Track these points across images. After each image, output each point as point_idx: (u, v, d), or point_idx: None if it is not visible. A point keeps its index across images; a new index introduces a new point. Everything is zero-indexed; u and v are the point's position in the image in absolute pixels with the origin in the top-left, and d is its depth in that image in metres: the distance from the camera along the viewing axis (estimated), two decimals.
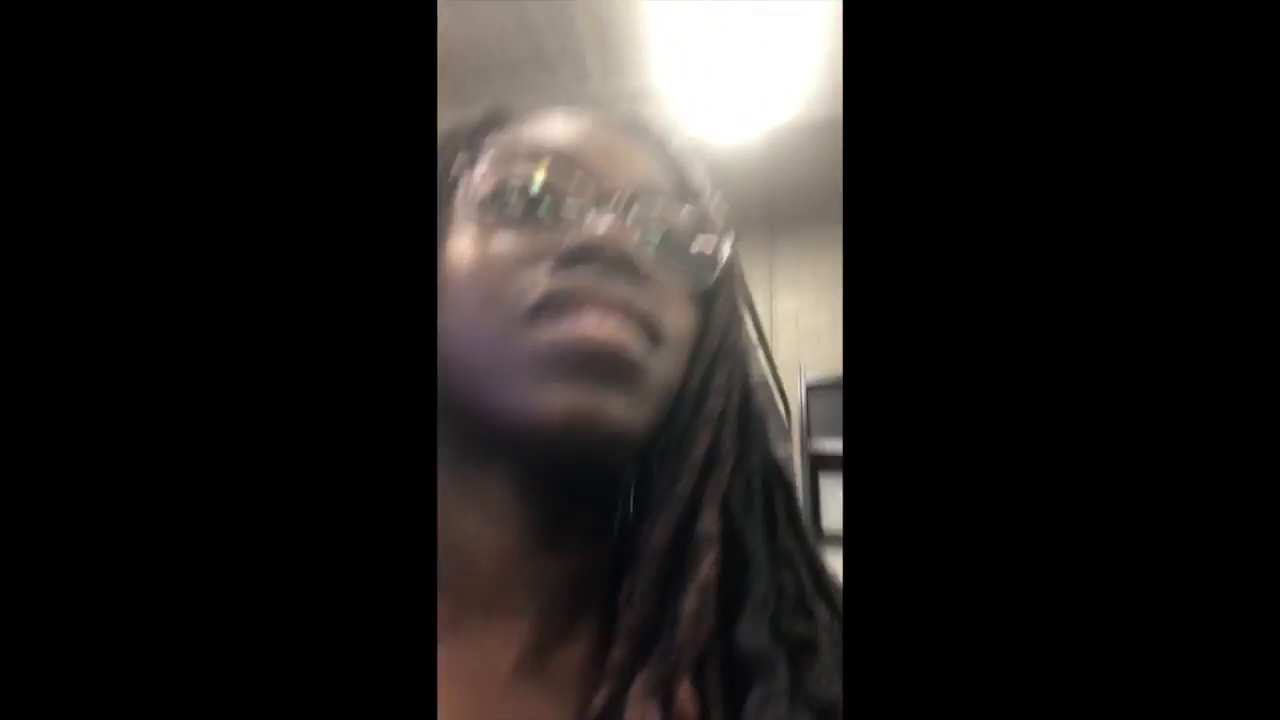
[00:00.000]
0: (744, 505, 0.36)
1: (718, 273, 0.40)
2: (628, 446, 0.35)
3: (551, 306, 0.33)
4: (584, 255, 0.34)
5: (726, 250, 0.40)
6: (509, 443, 0.34)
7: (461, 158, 0.39)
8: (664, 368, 0.36)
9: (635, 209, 0.37)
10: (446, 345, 0.33)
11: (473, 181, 0.38)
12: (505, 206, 0.36)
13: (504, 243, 0.35)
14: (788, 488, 0.39)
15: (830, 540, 2.01)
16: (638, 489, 0.38)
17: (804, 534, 0.38)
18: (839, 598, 0.37)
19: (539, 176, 0.36)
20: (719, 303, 0.40)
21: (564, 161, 0.37)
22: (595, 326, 0.33)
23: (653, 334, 0.35)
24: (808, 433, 2.70)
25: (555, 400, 0.32)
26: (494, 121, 0.41)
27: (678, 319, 0.37)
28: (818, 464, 2.59)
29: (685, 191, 0.41)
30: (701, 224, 0.40)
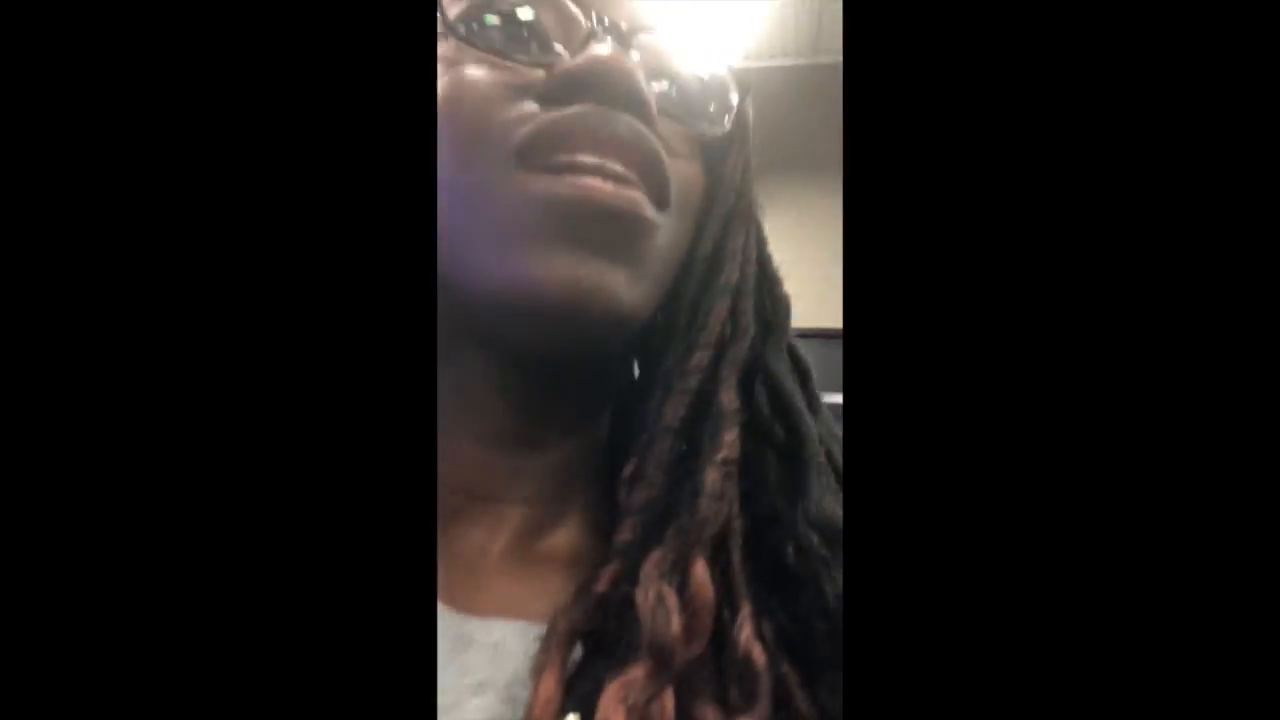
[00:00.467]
0: (781, 377, 0.33)
1: (730, 121, 0.35)
2: (628, 327, 0.31)
3: (544, 148, 0.28)
4: (583, 85, 0.29)
5: (737, 96, 0.35)
6: (492, 318, 0.30)
7: None
8: (671, 235, 0.31)
9: (639, 41, 0.31)
10: None
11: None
12: (485, 27, 0.30)
13: (486, 69, 0.30)
14: (803, 365, 0.36)
15: None
16: (641, 368, 0.35)
17: (820, 409, 0.35)
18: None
19: (526, 6, 0.31)
20: (731, 156, 0.35)
21: None
22: (599, 183, 0.28)
23: (659, 192, 0.30)
24: None
25: (550, 270, 0.27)
26: None
27: (687, 175, 0.32)
28: None
29: (692, 34, 0.35)
30: (710, 67, 0.34)
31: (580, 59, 0.29)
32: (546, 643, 0.26)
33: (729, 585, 0.28)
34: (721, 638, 0.27)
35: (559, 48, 0.31)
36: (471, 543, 0.32)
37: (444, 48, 0.31)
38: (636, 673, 0.24)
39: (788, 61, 2.69)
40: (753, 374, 0.32)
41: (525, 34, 0.30)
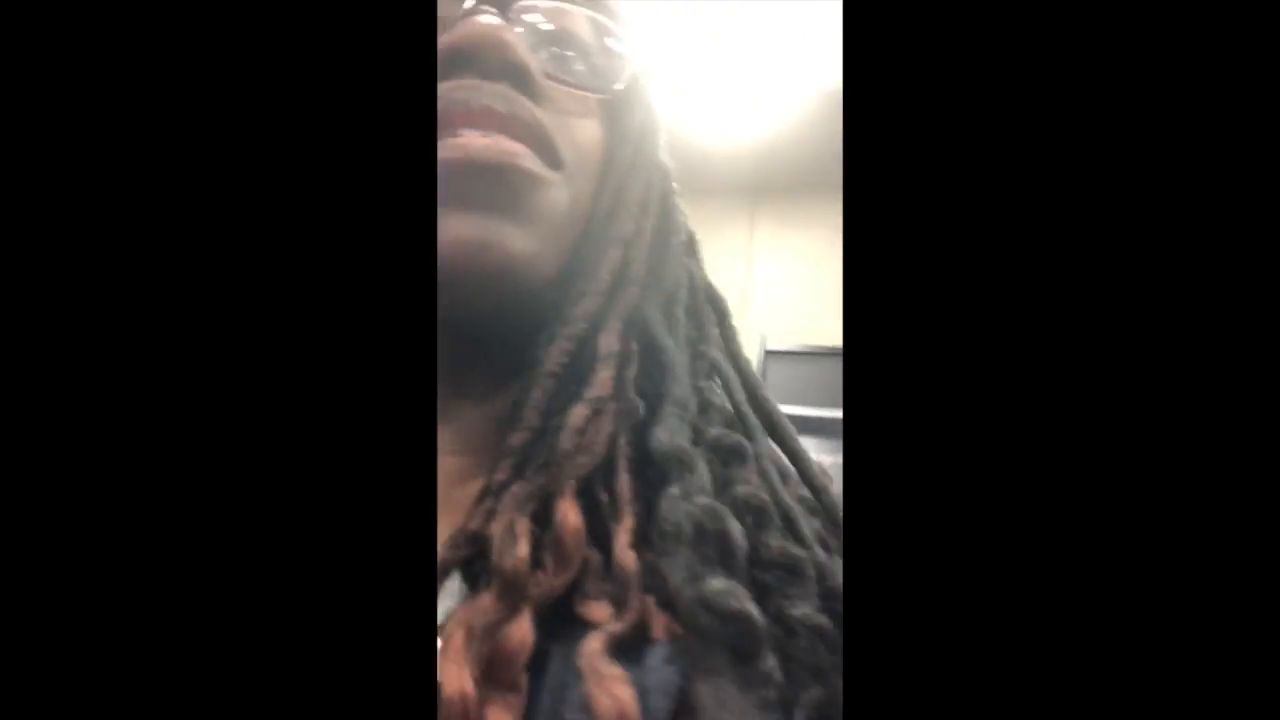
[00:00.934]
0: (663, 323, 0.34)
1: (625, 77, 0.36)
2: (530, 279, 0.32)
3: None
4: (457, 58, 0.30)
5: (635, 54, 0.36)
6: None
7: None
8: (567, 193, 0.33)
9: (520, 9, 0.32)
10: None
11: None
12: None
13: None
14: (720, 306, 0.38)
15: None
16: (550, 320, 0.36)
17: (738, 352, 0.37)
18: (777, 413, 0.36)
19: None
20: (630, 113, 0.37)
21: None
22: (480, 143, 0.29)
23: (549, 154, 0.32)
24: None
25: (443, 233, 0.28)
26: None
27: (582, 136, 0.34)
28: None
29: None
30: (608, 28, 0.35)
31: (454, 33, 0.30)
32: None
33: (614, 509, 0.28)
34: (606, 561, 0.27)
35: (444, 11, 0.31)
36: None
37: None
38: (484, 600, 0.25)
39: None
40: (643, 315, 0.34)
41: None
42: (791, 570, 0.27)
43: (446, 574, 0.27)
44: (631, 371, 0.32)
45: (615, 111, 0.36)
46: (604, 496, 0.29)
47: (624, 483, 0.29)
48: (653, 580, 0.27)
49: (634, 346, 0.33)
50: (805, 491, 0.33)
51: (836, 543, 0.31)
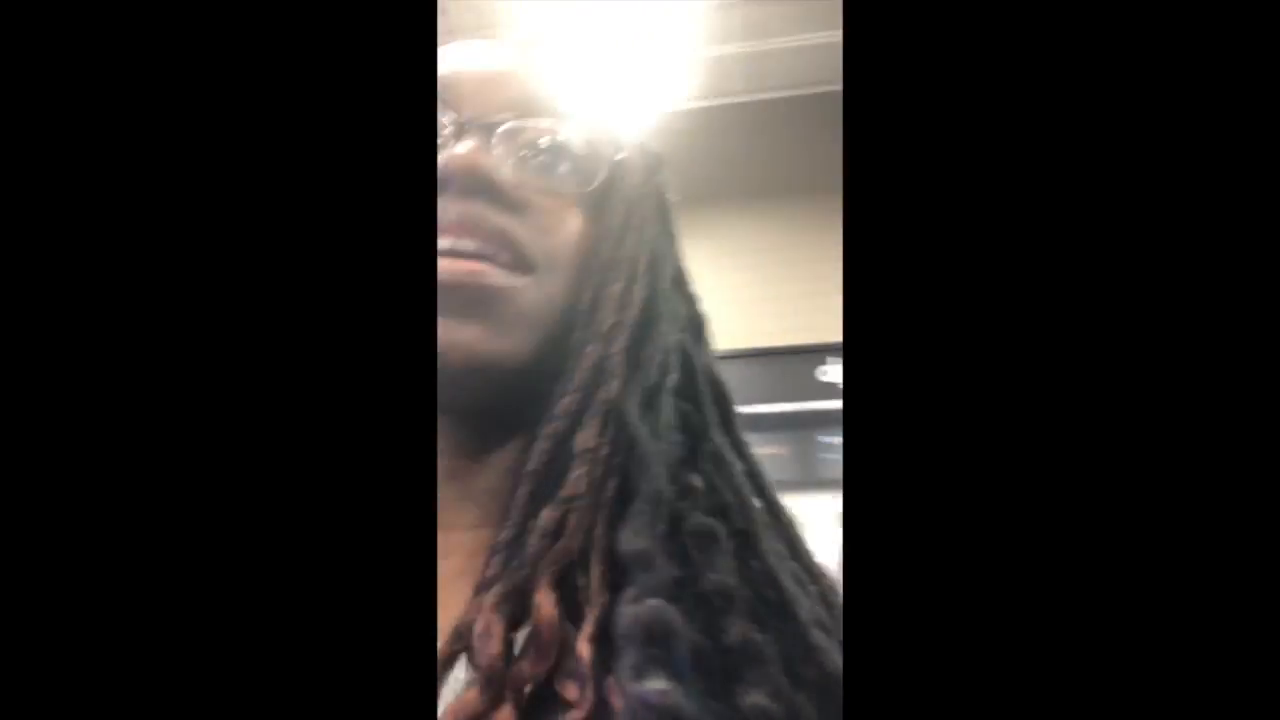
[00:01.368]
0: (641, 416, 0.35)
1: (601, 177, 0.39)
2: (495, 371, 0.35)
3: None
4: (443, 181, 0.34)
5: (610, 155, 0.40)
6: None
7: None
8: (542, 293, 0.36)
9: (502, 129, 0.37)
10: None
11: None
12: None
13: None
14: (721, 389, 0.40)
15: None
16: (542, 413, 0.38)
17: (739, 437, 0.39)
18: (777, 501, 0.38)
19: None
20: (609, 210, 0.40)
21: None
22: (448, 263, 0.33)
23: (519, 259, 0.36)
24: None
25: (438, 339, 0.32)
26: None
27: (560, 234, 0.37)
28: None
29: (563, 108, 0.40)
30: (582, 133, 0.39)
31: (441, 160, 0.35)
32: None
33: (584, 600, 0.31)
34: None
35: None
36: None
37: None
38: (470, 694, 0.28)
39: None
40: (622, 409, 0.35)
41: None
42: (752, 657, 0.29)
43: (447, 667, 0.29)
44: (602, 469, 0.34)
45: (594, 209, 0.39)
46: (581, 583, 0.31)
47: (596, 574, 0.31)
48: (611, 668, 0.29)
49: (608, 443, 0.35)
50: (804, 575, 0.35)
51: (835, 625, 0.32)
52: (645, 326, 0.38)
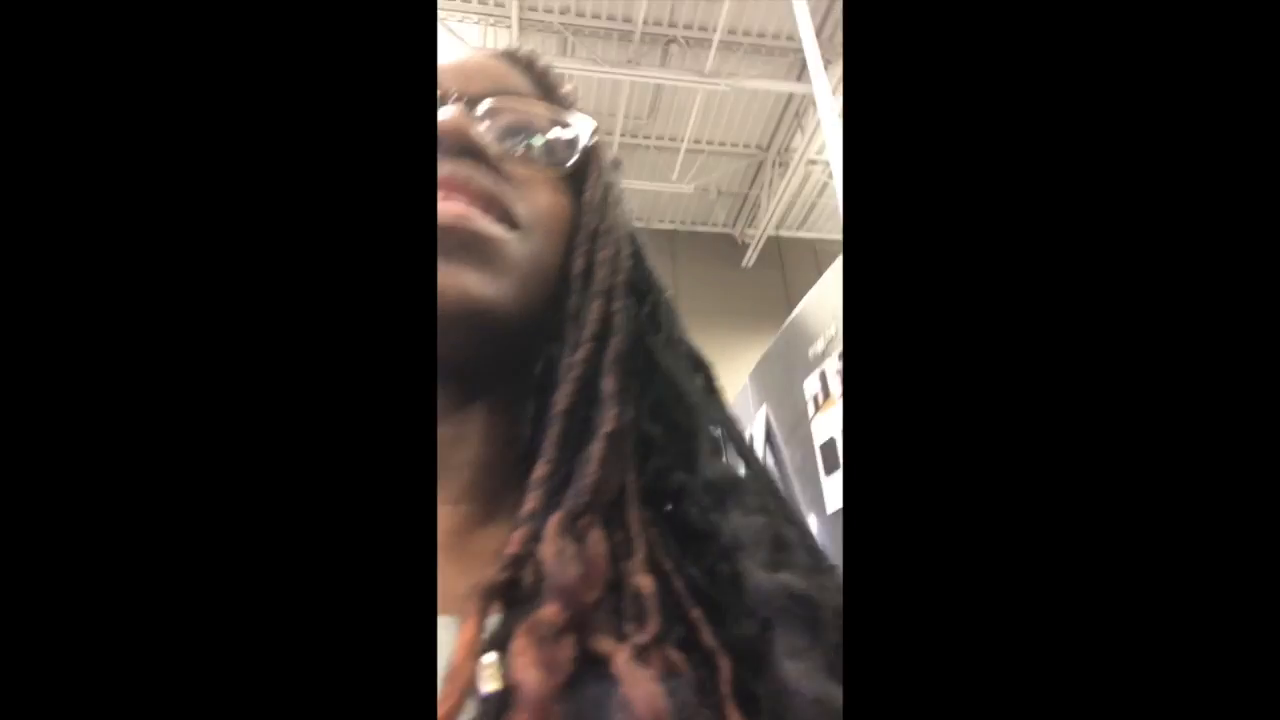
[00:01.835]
0: (665, 354, 0.40)
1: (577, 154, 0.43)
2: (492, 316, 0.36)
3: None
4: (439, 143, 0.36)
5: (586, 136, 0.44)
6: None
7: None
8: (528, 248, 0.38)
9: (485, 105, 0.40)
10: None
11: None
12: None
13: None
14: (700, 359, 0.44)
15: None
16: (545, 369, 0.40)
17: (721, 403, 0.42)
18: (753, 453, 0.42)
19: None
20: (588, 186, 0.43)
21: None
22: (440, 207, 0.35)
23: (505, 216, 0.38)
24: None
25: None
26: None
27: (538, 202, 0.40)
28: None
29: (544, 95, 0.44)
30: (559, 117, 0.43)
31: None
32: (467, 601, 0.29)
33: (627, 538, 0.33)
34: (621, 585, 0.31)
35: None
36: None
37: None
38: (546, 613, 0.28)
39: None
40: (634, 361, 0.38)
41: None
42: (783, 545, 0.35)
43: (493, 596, 0.30)
44: (634, 410, 0.36)
45: (574, 186, 0.43)
46: (617, 526, 0.33)
47: (634, 513, 0.34)
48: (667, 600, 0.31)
49: (635, 386, 0.37)
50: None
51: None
52: (638, 290, 0.42)
